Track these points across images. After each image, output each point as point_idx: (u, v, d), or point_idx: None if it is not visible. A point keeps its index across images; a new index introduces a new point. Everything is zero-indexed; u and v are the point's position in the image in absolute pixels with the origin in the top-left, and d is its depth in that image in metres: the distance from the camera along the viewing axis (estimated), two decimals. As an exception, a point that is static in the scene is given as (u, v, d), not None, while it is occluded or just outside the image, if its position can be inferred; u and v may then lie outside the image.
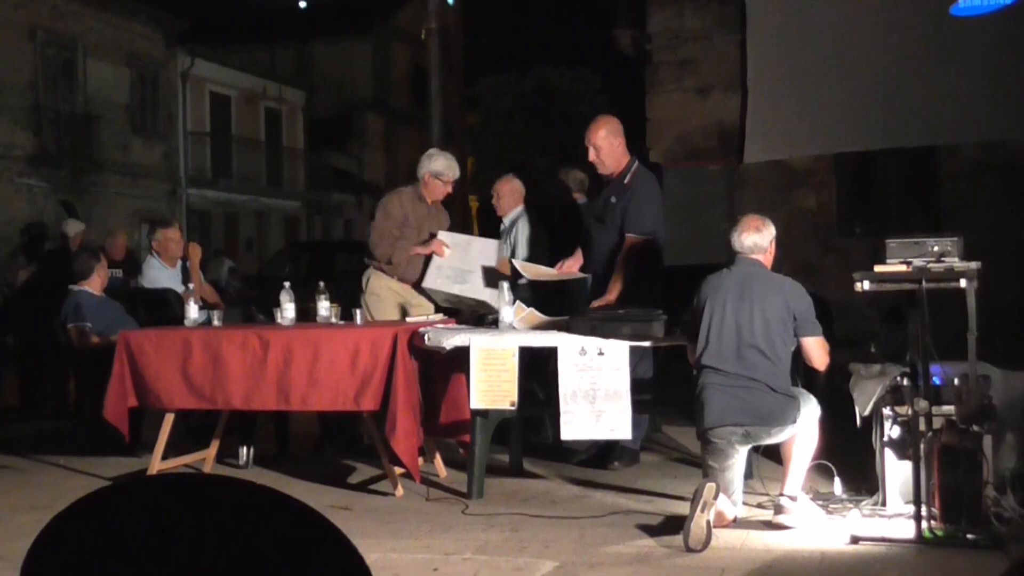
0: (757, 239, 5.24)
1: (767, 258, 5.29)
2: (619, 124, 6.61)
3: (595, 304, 6.25)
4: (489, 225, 8.88)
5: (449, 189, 7.22)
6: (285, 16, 36.25)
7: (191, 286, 7.87)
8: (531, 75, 37.12)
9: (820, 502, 5.29)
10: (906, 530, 4.76)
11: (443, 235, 7.08)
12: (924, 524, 4.70)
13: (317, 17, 36.07)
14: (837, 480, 5.47)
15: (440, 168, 7.10)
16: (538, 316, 6.24)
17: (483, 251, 7.09)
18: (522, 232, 7.62)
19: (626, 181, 6.50)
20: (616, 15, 14.39)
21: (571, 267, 6.75)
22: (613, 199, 6.52)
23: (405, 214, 7.09)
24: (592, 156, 6.53)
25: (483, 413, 5.78)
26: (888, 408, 5.17)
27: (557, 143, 31.51)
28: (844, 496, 5.41)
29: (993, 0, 9.50)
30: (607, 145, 6.48)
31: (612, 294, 6.30)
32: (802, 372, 5.50)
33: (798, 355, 5.21)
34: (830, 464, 5.44)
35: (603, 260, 6.53)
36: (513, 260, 6.96)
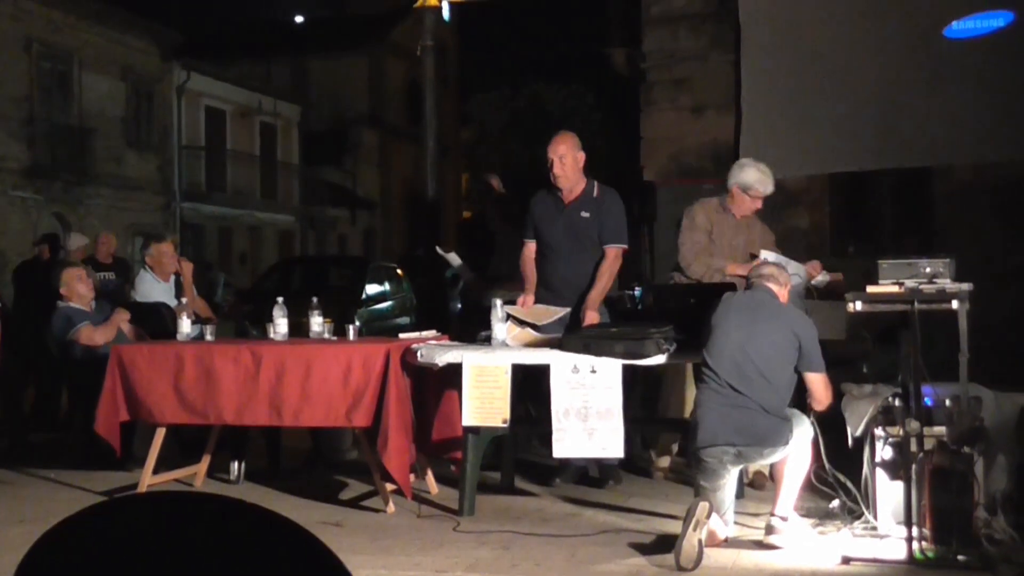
0: (775, 272, 5.42)
1: (782, 294, 5.37)
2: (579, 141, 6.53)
3: (586, 322, 6.20)
4: (471, 240, 8.80)
5: (758, 205, 6.72)
6: (281, 31, 36.38)
7: (184, 300, 7.86)
8: (525, 91, 37.25)
9: (811, 521, 5.28)
10: (897, 551, 4.76)
11: (765, 254, 6.52)
12: (915, 545, 4.70)
13: (313, 32, 36.20)
14: (836, 501, 5.46)
15: (750, 181, 6.60)
16: (531, 334, 6.23)
17: (797, 272, 6.59)
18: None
19: (595, 195, 6.47)
20: (610, 34, 14.45)
21: (525, 302, 6.52)
22: (585, 214, 6.43)
23: (710, 225, 6.71)
24: (558, 168, 6.36)
25: (475, 430, 5.78)
26: (880, 428, 5.18)
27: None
28: (836, 515, 5.41)
29: (986, 23, 9.55)
30: (572, 159, 6.39)
31: (595, 306, 6.26)
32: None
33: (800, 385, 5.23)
34: (834, 472, 5.39)
35: (583, 276, 6.41)
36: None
